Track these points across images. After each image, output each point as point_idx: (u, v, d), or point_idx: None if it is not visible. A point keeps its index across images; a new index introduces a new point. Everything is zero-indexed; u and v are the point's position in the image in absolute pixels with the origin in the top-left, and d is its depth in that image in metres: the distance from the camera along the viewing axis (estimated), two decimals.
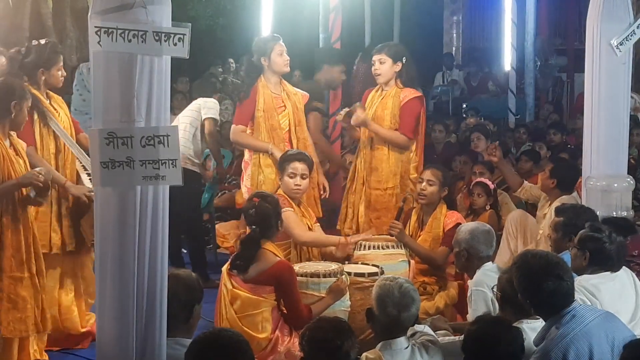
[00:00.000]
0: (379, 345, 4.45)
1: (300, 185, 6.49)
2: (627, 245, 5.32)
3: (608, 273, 4.99)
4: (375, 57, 7.32)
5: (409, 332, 4.65)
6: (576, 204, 6.13)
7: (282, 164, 6.58)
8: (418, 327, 4.92)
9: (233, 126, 7.23)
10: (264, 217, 5.60)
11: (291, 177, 6.47)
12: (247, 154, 7.26)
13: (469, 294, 5.62)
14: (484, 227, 5.83)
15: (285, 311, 5.50)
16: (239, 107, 7.28)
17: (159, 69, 3.77)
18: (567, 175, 7.31)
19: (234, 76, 14.81)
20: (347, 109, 7.38)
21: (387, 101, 7.30)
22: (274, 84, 7.20)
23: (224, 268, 5.61)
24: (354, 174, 7.49)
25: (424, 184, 6.78)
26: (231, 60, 15.54)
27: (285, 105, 7.19)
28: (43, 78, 6.09)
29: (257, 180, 7.04)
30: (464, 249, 5.71)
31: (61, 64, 6.22)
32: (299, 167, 6.50)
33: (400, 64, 7.28)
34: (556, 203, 6.91)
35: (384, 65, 7.28)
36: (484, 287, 5.46)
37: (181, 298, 4.21)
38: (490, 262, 5.71)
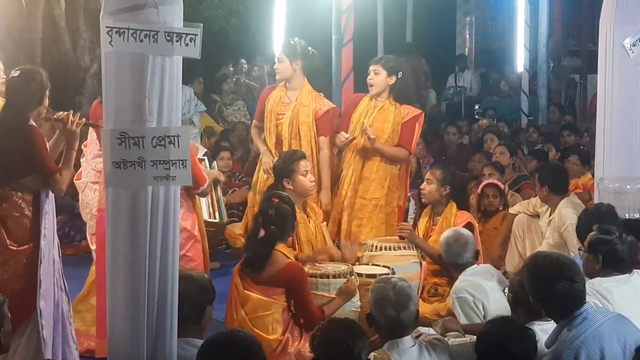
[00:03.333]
0: (386, 345, 4.44)
1: (314, 181, 6.54)
2: (637, 246, 5.29)
3: (621, 276, 4.97)
4: (371, 68, 7.35)
5: (415, 334, 4.65)
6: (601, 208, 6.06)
7: (289, 165, 6.45)
8: (423, 329, 4.94)
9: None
10: (283, 218, 5.60)
11: (304, 175, 6.44)
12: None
13: (451, 302, 5.66)
14: (455, 236, 5.94)
15: (295, 312, 5.50)
16: (258, 104, 7.60)
17: (171, 69, 3.78)
18: (556, 177, 7.28)
19: (246, 77, 14.83)
20: (350, 138, 7.30)
21: (387, 115, 7.31)
22: (293, 89, 7.25)
23: (235, 269, 5.62)
24: (342, 180, 7.42)
25: (424, 183, 6.84)
26: (243, 60, 15.56)
27: (284, 114, 7.23)
28: None
29: (257, 177, 7.24)
30: (443, 258, 5.97)
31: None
32: (307, 164, 6.54)
33: (394, 78, 7.29)
34: (562, 206, 6.90)
35: (378, 77, 7.29)
36: (463, 293, 5.58)
37: (193, 299, 4.22)
38: (472, 266, 5.80)
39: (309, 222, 6.41)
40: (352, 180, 7.30)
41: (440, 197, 6.76)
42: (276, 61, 7.37)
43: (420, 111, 7.50)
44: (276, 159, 6.79)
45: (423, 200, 6.85)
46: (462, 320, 5.45)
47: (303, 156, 6.57)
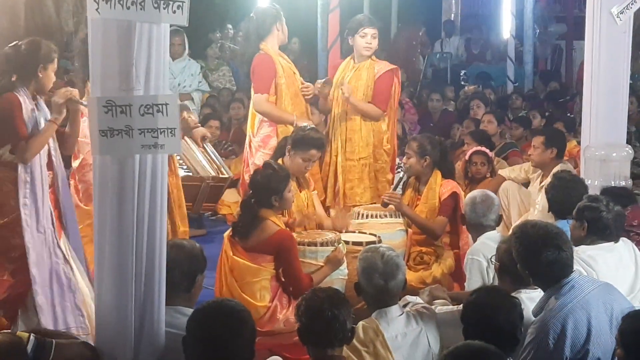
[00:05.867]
0: (374, 313, 4.48)
1: (309, 169, 6.46)
2: (625, 215, 5.31)
3: (606, 244, 4.99)
4: (369, 31, 7.26)
5: (402, 302, 4.70)
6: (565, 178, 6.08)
7: (300, 144, 6.31)
8: (410, 298, 4.97)
9: (257, 95, 7.03)
10: (257, 185, 5.60)
11: (305, 161, 6.32)
12: (265, 127, 7.12)
13: (465, 262, 5.66)
14: (482, 196, 5.84)
15: (283, 280, 5.51)
16: (257, 75, 7.08)
17: (158, 36, 3.73)
18: (563, 141, 7.37)
19: (231, 42, 14.72)
20: (322, 80, 7.35)
21: (361, 73, 7.30)
22: (277, 52, 7.16)
23: (226, 235, 5.62)
24: (330, 144, 7.39)
25: (404, 157, 6.82)
26: (229, 26, 15.43)
27: (295, 72, 7.19)
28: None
29: None
30: (466, 217, 5.77)
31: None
32: (316, 155, 6.40)
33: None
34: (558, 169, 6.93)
35: (375, 40, 7.27)
36: (479, 255, 5.50)
37: (184, 267, 4.22)
38: (493, 231, 5.72)
39: (300, 192, 6.39)
40: (339, 143, 7.31)
41: (422, 168, 6.72)
42: (369, 39, 7.24)
43: (392, 66, 7.41)
44: (304, 127, 6.53)
45: (406, 173, 6.82)
46: (470, 282, 5.46)
47: (320, 146, 6.41)
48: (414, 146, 6.74)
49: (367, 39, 7.24)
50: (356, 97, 7.18)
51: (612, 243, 5.02)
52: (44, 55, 5.33)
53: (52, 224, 5.39)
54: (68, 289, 5.41)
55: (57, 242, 5.41)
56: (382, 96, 7.26)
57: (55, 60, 5.44)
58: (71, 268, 5.45)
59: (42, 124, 5.31)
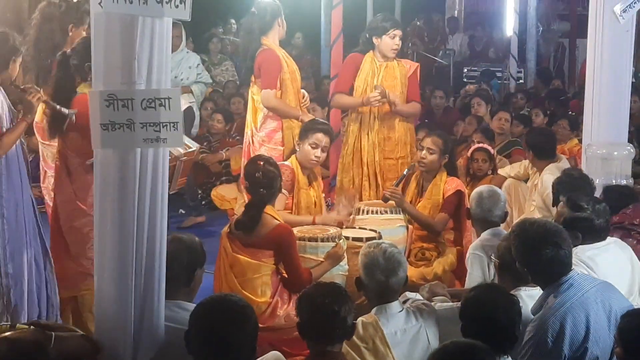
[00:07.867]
0: (374, 309, 4.49)
1: (319, 158, 6.49)
2: (608, 209, 5.22)
3: (600, 243, 4.95)
4: (398, 33, 7.40)
5: (402, 298, 4.70)
6: (573, 175, 6.06)
7: (305, 132, 6.53)
8: (410, 295, 4.97)
9: (265, 91, 6.99)
10: (270, 180, 5.59)
11: (313, 148, 6.42)
12: (270, 122, 7.11)
13: (467, 257, 5.66)
14: (489, 192, 5.83)
15: (284, 275, 5.52)
16: (264, 70, 7.05)
17: (160, 31, 3.73)
18: (540, 142, 7.32)
19: (235, 36, 14.73)
20: (378, 92, 7.28)
21: (394, 72, 7.43)
22: (278, 47, 7.16)
23: (224, 231, 5.61)
24: (360, 145, 7.47)
25: (424, 152, 6.80)
26: (232, 20, 15.44)
27: (295, 69, 7.22)
28: None
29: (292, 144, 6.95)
30: (471, 212, 5.77)
31: None
32: (322, 139, 6.46)
33: None
34: (545, 172, 6.92)
35: (400, 42, 7.46)
36: (481, 251, 5.49)
37: (183, 261, 4.22)
38: (497, 227, 5.71)
39: (310, 190, 6.42)
40: (375, 142, 7.38)
41: (440, 165, 6.79)
42: (397, 40, 7.38)
43: (417, 64, 7.73)
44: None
45: (422, 168, 6.81)
46: (471, 277, 5.47)
47: (324, 130, 6.51)
48: (439, 143, 6.78)
49: (395, 41, 7.39)
50: (395, 94, 7.30)
51: (605, 242, 4.98)
52: (13, 46, 5.32)
53: (35, 213, 5.35)
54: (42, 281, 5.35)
55: (39, 232, 5.36)
56: (417, 92, 7.57)
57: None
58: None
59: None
